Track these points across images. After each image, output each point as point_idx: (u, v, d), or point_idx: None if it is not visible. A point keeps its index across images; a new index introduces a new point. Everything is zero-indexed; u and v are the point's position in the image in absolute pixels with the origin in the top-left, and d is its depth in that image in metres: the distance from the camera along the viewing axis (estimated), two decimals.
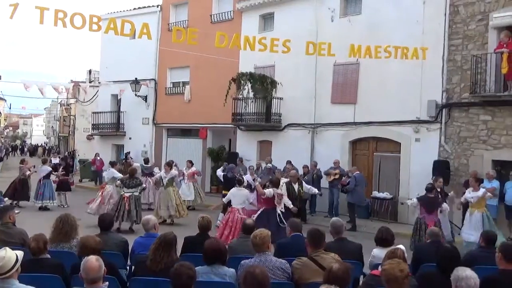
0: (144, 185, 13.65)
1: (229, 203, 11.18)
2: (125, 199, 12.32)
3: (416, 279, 4.68)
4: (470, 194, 10.50)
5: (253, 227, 6.18)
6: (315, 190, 12.15)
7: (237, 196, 10.90)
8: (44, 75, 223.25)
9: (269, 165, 15.79)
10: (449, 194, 11.54)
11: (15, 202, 15.31)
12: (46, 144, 74.85)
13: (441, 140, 13.64)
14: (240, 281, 3.88)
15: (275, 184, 10.47)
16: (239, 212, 10.67)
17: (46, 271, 4.65)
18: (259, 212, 10.46)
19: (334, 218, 6.61)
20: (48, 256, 4.96)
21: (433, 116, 13.73)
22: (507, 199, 11.77)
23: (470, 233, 10.21)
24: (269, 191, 10.27)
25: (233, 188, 11.17)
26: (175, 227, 12.25)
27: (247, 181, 12.75)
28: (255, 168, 15.44)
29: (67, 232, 5.69)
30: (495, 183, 11.75)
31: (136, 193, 12.65)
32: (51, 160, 20.01)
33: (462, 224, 11.04)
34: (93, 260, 3.90)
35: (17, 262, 3.84)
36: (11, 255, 3.83)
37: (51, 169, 15.90)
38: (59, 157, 23.84)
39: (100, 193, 13.38)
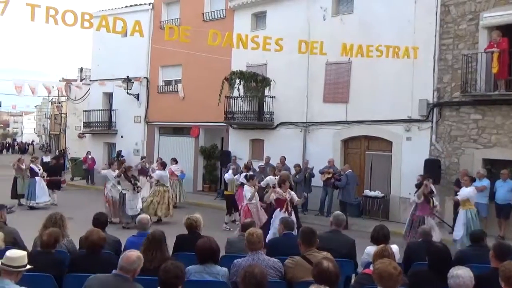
0: (139, 184, 13.52)
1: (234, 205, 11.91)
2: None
3: (407, 277, 4.71)
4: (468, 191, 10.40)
5: (251, 225, 6.14)
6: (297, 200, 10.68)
7: (251, 192, 10.74)
8: (35, 73, 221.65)
9: (262, 164, 15.80)
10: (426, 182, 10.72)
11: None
12: (33, 142, 74.27)
13: (432, 139, 13.72)
14: (239, 280, 3.87)
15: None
16: (257, 209, 10.60)
17: (48, 266, 4.82)
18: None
19: (338, 212, 6.75)
20: (53, 251, 5.16)
21: (424, 115, 13.79)
22: (497, 197, 11.88)
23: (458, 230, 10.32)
24: (271, 196, 9.84)
25: (245, 186, 11.11)
26: (163, 225, 12.24)
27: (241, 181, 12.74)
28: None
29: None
30: (485, 182, 11.85)
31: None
32: (42, 159, 19.85)
33: (454, 223, 11.10)
34: (133, 253, 4.24)
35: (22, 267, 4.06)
36: (20, 257, 4.11)
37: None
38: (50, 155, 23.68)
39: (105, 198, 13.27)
